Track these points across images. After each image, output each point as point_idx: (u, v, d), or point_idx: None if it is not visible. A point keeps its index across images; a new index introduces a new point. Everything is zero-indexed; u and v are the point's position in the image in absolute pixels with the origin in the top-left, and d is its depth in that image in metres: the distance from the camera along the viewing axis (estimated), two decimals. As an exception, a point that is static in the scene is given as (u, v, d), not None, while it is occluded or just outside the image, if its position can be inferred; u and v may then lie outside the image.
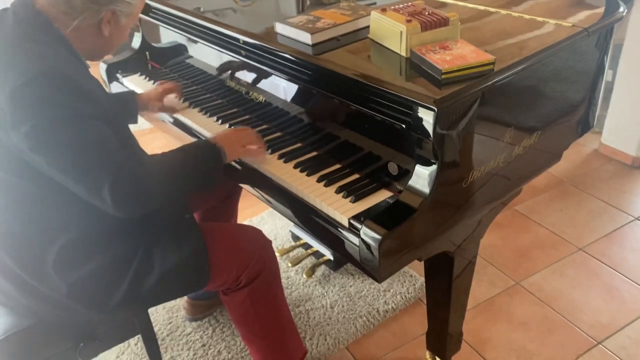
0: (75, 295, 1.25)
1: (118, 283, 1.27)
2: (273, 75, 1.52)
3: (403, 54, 1.31)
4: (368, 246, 1.12)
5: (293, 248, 2.23)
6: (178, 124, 1.75)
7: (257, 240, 1.47)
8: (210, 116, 1.70)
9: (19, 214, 1.22)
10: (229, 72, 1.72)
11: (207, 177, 1.36)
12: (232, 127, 1.56)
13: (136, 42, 2.12)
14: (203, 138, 1.63)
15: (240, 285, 1.43)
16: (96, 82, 1.24)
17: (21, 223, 1.22)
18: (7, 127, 1.10)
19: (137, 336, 1.50)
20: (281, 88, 1.52)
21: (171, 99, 1.79)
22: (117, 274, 1.28)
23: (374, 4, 1.75)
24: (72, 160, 1.11)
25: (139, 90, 1.89)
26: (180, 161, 1.31)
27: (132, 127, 1.39)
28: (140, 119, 1.77)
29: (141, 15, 2.00)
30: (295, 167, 1.40)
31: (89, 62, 1.30)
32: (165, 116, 1.80)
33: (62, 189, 1.17)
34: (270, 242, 1.50)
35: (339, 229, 1.22)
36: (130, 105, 1.69)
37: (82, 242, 1.25)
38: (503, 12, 1.58)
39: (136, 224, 1.31)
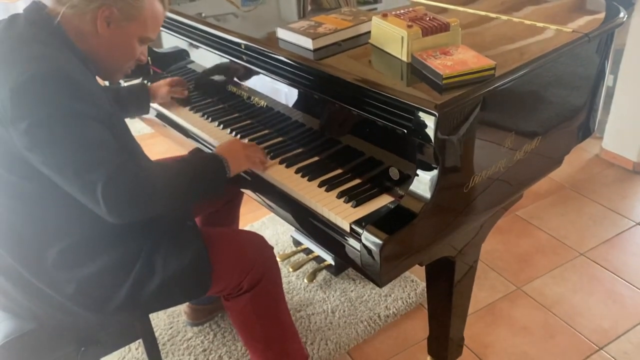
0: (75, 296, 1.25)
1: (118, 287, 1.27)
2: (274, 80, 1.53)
3: (404, 59, 1.32)
4: (369, 251, 1.12)
5: (294, 253, 2.23)
6: (179, 128, 1.76)
7: (259, 246, 1.47)
8: (211, 121, 1.71)
9: (18, 212, 1.22)
10: (231, 77, 1.73)
11: (210, 189, 1.35)
12: (236, 138, 1.55)
13: (138, 47, 2.12)
14: (204, 142, 1.64)
15: (241, 291, 1.43)
16: (98, 85, 1.24)
17: (21, 222, 1.22)
18: (7, 124, 1.10)
19: (138, 341, 1.50)
20: (282, 93, 1.53)
21: (178, 88, 1.85)
22: (118, 277, 1.28)
23: (375, 9, 1.75)
24: (67, 159, 1.10)
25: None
26: (183, 170, 1.30)
27: (133, 131, 1.39)
28: (141, 124, 1.78)
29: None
30: (296, 172, 1.40)
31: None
32: (167, 113, 1.83)
33: (60, 189, 1.16)
34: (272, 248, 1.50)
35: (341, 234, 1.22)
36: (142, 95, 1.74)
37: (82, 244, 1.25)
38: (504, 17, 1.59)
39: (138, 228, 1.31)
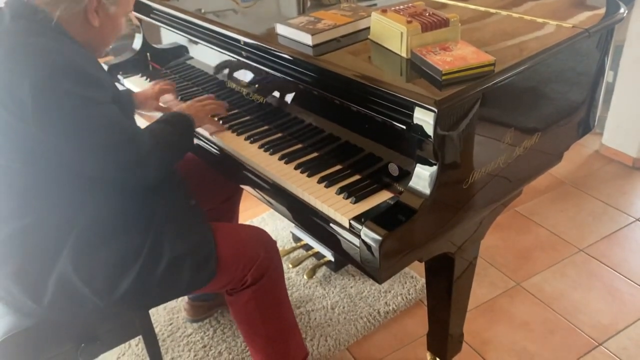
0: (83, 282, 1.26)
1: (127, 271, 1.28)
2: (274, 76, 1.52)
3: (403, 55, 1.31)
4: (368, 247, 1.12)
5: (294, 249, 2.23)
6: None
7: (263, 240, 1.48)
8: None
9: (33, 207, 1.25)
10: (230, 73, 1.73)
11: (185, 143, 1.48)
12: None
13: (137, 43, 2.12)
14: (203, 139, 1.64)
15: (245, 285, 1.44)
16: (101, 67, 1.32)
17: (36, 217, 1.25)
18: (28, 119, 1.14)
19: (138, 337, 1.50)
20: (282, 89, 1.53)
21: (167, 98, 1.81)
22: (127, 262, 1.29)
23: (375, 5, 1.75)
24: (98, 143, 1.20)
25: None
26: (167, 131, 1.41)
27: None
28: (140, 120, 1.77)
29: (142, 17, 2.00)
30: (296, 168, 1.40)
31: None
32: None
33: (74, 178, 1.24)
34: (275, 242, 1.50)
35: (340, 230, 1.22)
36: (126, 103, 1.70)
37: (94, 231, 1.27)
38: (503, 13, 1.58)
39: (145, 212, 1.35)
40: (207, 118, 1.58)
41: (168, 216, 1.38)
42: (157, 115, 1.80)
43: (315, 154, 1.46)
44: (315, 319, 2.02)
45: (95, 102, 1.19)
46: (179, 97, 1.83)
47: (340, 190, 1.29)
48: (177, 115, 1.48)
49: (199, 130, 1.66)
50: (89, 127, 1.18)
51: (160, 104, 1.79)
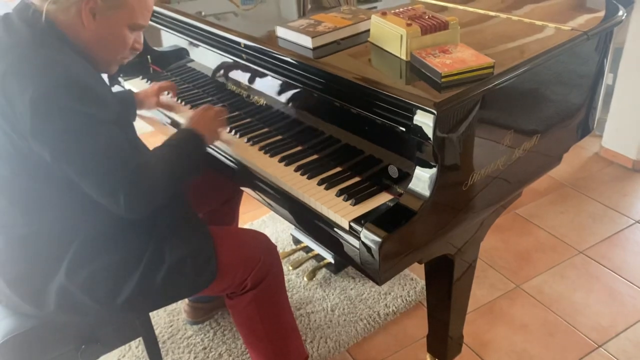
0: (85, 289, 1.26)
1: (128, 277, 1.28)
2: (274, 79, 1.53)
3: (403, 57, 1.32)
4: (368, 249, 1.12)
5: (294, 251, 2.24)
6: (179, 127, 1.76)
7: (263, 244, 1.47)
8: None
9: (36, 218, 1.24)
10: (230, 75, 1.73)
11: (193, 166, 1.39)
12: (208, 106, 1.51)
13: (138, 45, 2.12)
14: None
15: (245, 289, 1.44)
16: (105, 83, 1.26)
17: (39, 227, 1.24)
18: (26, 134, 1.12)
19: (139, 339, 1.50)
20: (282, 91, 1.53)
21: (167, 96, 1.81)
22: (128, 268, 1.29)
23: (375, 7, 1.76)
24: (90, 166, 1.15)
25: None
26: (172, 156, 1.32)
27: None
28: (141, 122, 1.78)
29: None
30: (296, 170, 1.41)
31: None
32: (162, 116, 1.81)
33: (76, 190, 1.20)
34: (275, 247, 1.50)
35: (340, 232, 1.22)
36: (129, 103, 1.71)
37: (96, 240, 1.27)
38: (503, 16, 1.59)
39: (146, 222, 1.33)
40: (216, 132, 1.46)
41: (169, 222, 1.38)
42: (158, 115, 1.82)
43: (315, 156, 1.46)
44: (315, 320, 2.02)
45: (96, 120, 1.14)
46: (180, 100, 1.83)
47: (340, 192, 1.29)
48: (188, 138, 1.38)
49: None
50: (88, 145, 1.13)
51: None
